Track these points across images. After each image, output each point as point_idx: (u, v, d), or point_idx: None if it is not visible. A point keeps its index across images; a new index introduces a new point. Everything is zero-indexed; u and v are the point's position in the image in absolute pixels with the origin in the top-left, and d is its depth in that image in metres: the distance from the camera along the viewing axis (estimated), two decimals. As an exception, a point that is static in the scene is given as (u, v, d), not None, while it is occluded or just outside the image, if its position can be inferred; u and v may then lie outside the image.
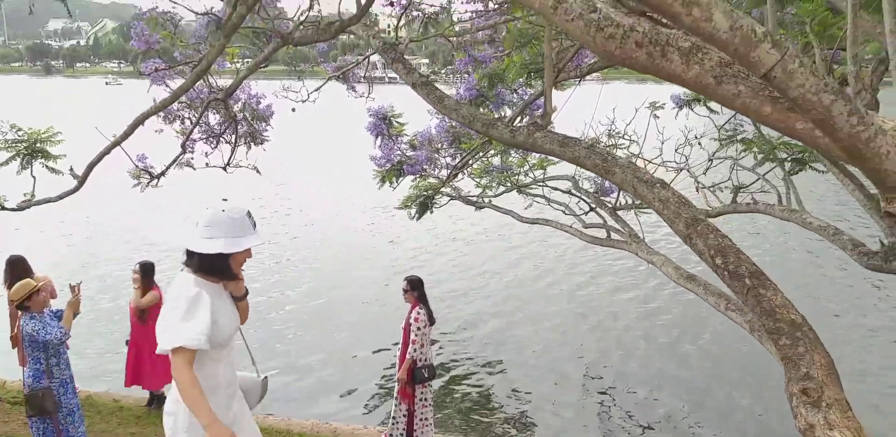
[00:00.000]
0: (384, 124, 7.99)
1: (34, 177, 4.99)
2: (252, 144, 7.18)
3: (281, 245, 15.79)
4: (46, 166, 5.03)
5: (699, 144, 6.13)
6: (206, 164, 6.85)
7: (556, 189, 7.46)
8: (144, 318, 6.84)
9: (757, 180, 5.33)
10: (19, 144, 5.03)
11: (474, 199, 8.12)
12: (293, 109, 7.95)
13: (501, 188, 7.77)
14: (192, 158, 6.83)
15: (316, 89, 8.16)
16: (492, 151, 7.73)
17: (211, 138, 6.95)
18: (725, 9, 1.35)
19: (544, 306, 12.04)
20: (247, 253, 2.96)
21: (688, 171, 5.96)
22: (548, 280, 13.52)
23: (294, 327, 10.92)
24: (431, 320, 6.08)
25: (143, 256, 11.79)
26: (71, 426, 5.49)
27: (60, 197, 4.71)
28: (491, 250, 15.69)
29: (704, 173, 5.93)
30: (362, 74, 8.66)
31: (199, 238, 2.86)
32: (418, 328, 5.96)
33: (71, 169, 4.79)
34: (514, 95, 7.16)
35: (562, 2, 1.95)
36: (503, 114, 7.26)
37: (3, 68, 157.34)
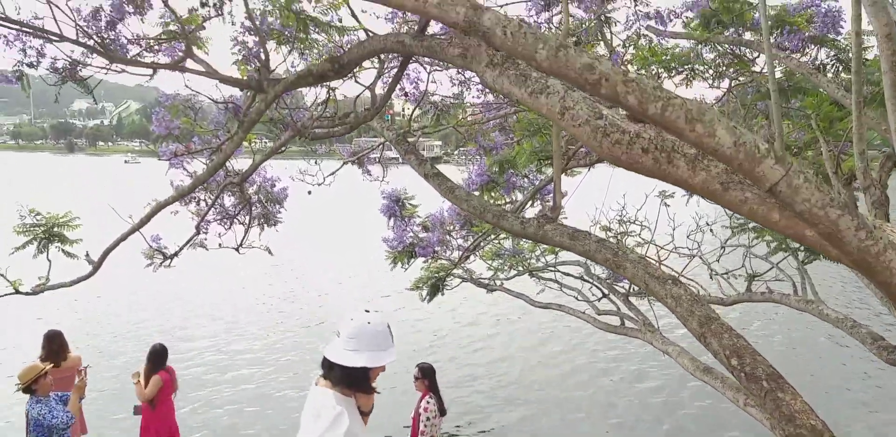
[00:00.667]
0: (397, 206, 8.12)
1: (49, 261, 5.04)
2: (265, 225, 7.28)
3: (293, 328, 15.61)
4: (63, 251, 5.10)
5: (711, 230, 6.15)
6: (219, 244, 6.92)
7: (567, 274, 7.43)
8: (153, 404, 6.76)
9: (770, 269, 5.29)
10: (37, 229, 5.12)
11: (486, 281, 8.09)
12: (309, 192, 8.11)
13: (513, 272, 7.75)
14: (206, 239, 6.91)
15: (331, 173, 8.36)
16: (503, 235, 7.78)
17: (225, 220, 7.06)
18: (728, 125, 1.40)
19: (567, 393, 11.62)
20: (382, 367, 2.84)
21: (700, 258, 5.95)
22: (568, 366, 13.12)
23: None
24: (442, 411, 5.91)
25: (155, 338, 11.56)
26: None
27: (74, 282, 4.75)
28: (507, 333, 15.38)
29: (717, 260, 5.91)
30: (376, 157, 8.90)
31: (343, 351, 2.76)
32: (427, 419, 5.78)
33: (87, 255, 4.86)
34: (525, 179, 7.30)
35: (568, 108, 2.02)
36: (514, 198, 7.37)
37: (27, 146, 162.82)
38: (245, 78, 4.17)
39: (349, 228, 31.97)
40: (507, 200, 7.33)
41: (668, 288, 2.50)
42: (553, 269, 7.47)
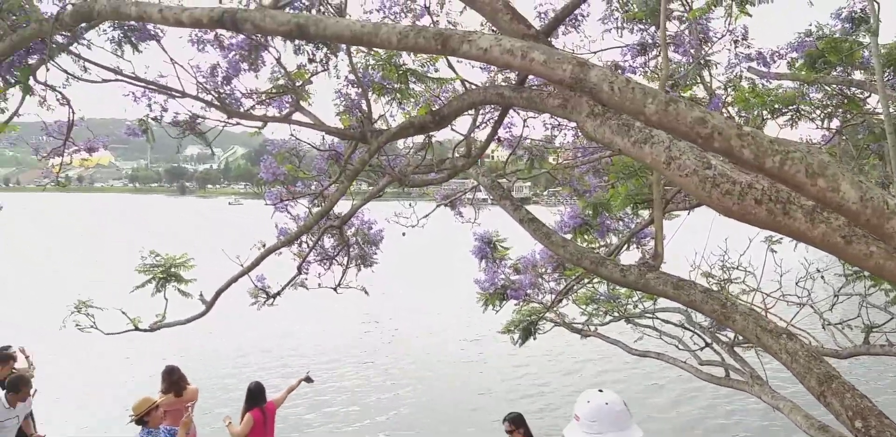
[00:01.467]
0: (489, 248, 8.15)
1: (167, 299, 5.37)
2: (362, 266, 7.46)
3: (385, 367, 15.74)
4: (178, 290, 5.42)
5: (822, 278, 5.80)
6: (319, 284, 7.12)
7: (667, 322, 7.17)
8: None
9: (890, 320, 4.91)
10: (156, 269, 5.48)
11: (579, 326, 7.92)
12: (403, 234, 8.29)
13: (608, 317, 7.55)
14: (307, 279, 7.14)
15: (425, 216, 8.53)
16: (597, 279, 7.63)
17: (325, 261, 7.29)
18: (853, 179, 1.35)
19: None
20: None
21: (811, 306, 5.60)
22: (681, 420, 12.41)
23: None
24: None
25: (254, 376, 11.80)
26: None
27: (189, 320, 5.02)
28: (611, 381, 14.81)
29: (830, 310, 5.54)
30: (469, 197, 9.02)
31: (585, 435, 2.69)
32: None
33: (201, 295, 5.14)
34: (620, 223, 7.17)
35: (675, 158, 2.00)
36: (608, 242, 7.24)
37: (143, 188, 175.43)
38: (347, 127, 4.38)
39: (441, 269, 32.22)
40: (601, 243, 7.22)
41: (782, 343, 2.38)
42: (651, 315, 7.21)
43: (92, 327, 4.98)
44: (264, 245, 6.10)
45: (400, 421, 11.88)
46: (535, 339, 7.46)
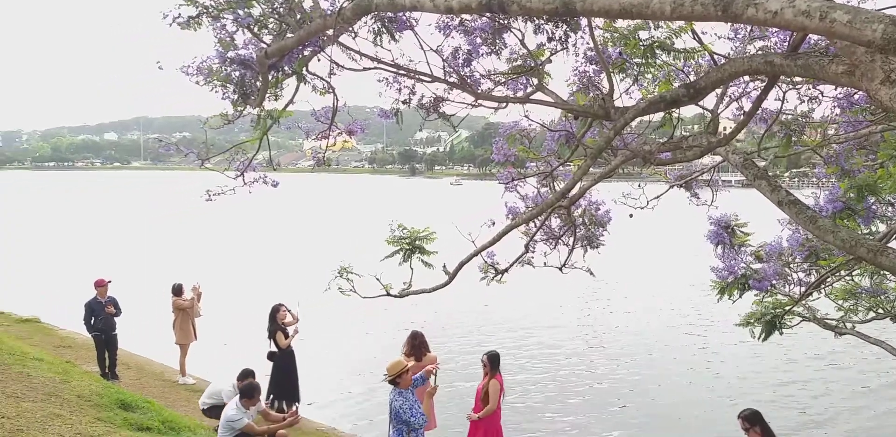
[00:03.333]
0: (726, 233, 7.64)
1: (412, 269, 5.84)
2: (589, 247, 7.41)
3: (606, 349, 15.56)
4: (422, 261, 5.87)
5: None
6: (544, 263, 7.22)
7: (950, 323, 6.17)
8: (487, 401, 7.43)
9: None
10: (403, 241, 5.97)
11: (833, 323, 7.12)
12: (630, 215, 8.08)
13: (871, 314, 6.69)
14: (533, 258, 7.27)
15: (655, 197, 8.21)
16: (857, 271, 6.79)
17: (551, 240, 7.36)
18: None
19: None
20: None
21: None
22: None
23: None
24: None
25: (492, 342, 12.27)
26: None
27: (434, 289, 5.42)
28: (879, 385, 13.20)
29: None
30: (706, 179, 8.50)
31: None
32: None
33: (444, 266, 5.51)
34: (890, 208, 6.30)
35: None
36: (873, 229, 6.40)
37: (380, 170, 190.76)
38: (589, 107, 4.35)
39: (670, 253, 30.94)
40: (865, 230, 6.39)
41: None
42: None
43: (351, 290, 5.59)
44: (493, 223, 6.34)
45: (629, 415, 11.54)
46: (780, 334, 6.87)
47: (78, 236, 37.36)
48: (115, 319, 10.62)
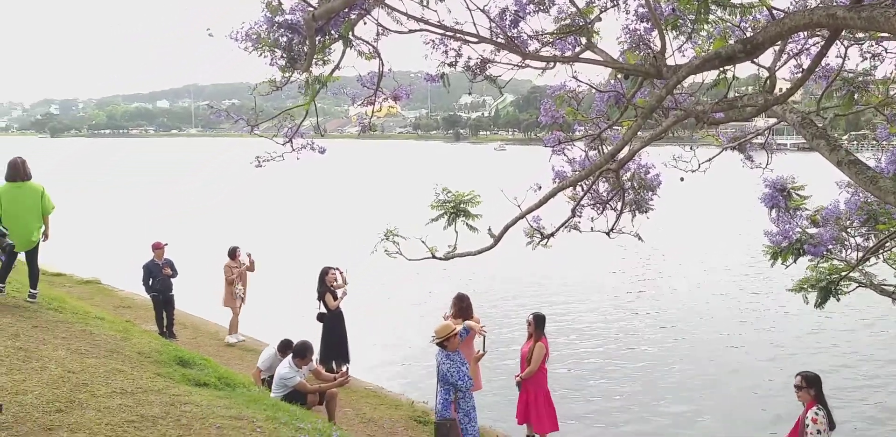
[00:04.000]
0: (781, 197, 7.43)
1: (457, 232, 5.87)
2: (637, 211, 7.30)
3: (661, 322, 15.43)
4: (467, 224, 5.88)
5: None
6: (591, 228, 7.14)
7: None
8: (531, 363, 7.49)
9: None
10: (447, 204, 5.99)
11: (891, 289, 6.90)
12: (682, 179, 7.91)
13: (933, 280, 6.46)
14: (580, 222, 7.20)
15: (707, 160, 8.00)
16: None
17: (598, 205, 7.27)
18: None
19: None
20: None
21: None
22: None
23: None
24: (831, 424, 5.28)
25: (536, 308, 12.21)
26: None
27: (479, 252, 5.45)
28: None
29: None
30: (760, 142, 8.23)
31: None
32: (818, 431, 5.22)
33: (489, 229, 5.52)
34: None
35: None
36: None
37: (424, 135, 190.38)
38: (640, 65, 4.23)
39: (722, 218, 30.30)
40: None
41: None
42: None
43: (397, 253, 5.66)
44: (539, 187, 6.28)
45: (678, 382, 11.38)
46: (837, 300, 6.70)
47: (135, 201, 38.68)
48: (172, 280, 11.01)
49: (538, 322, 7.62)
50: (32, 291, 8.07)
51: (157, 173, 62.26)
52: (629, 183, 7.06)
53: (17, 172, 7.78)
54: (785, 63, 5.24)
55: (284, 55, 5.46)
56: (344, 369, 9.44)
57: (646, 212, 7.16)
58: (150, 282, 10.86)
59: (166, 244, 11.04)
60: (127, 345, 6.89)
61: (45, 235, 8.01)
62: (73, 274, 15.59)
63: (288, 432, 4.84)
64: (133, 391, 5.15)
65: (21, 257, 8.11)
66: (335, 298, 9.76)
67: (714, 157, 7.79)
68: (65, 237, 12.84)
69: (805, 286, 6.92)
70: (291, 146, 5.71)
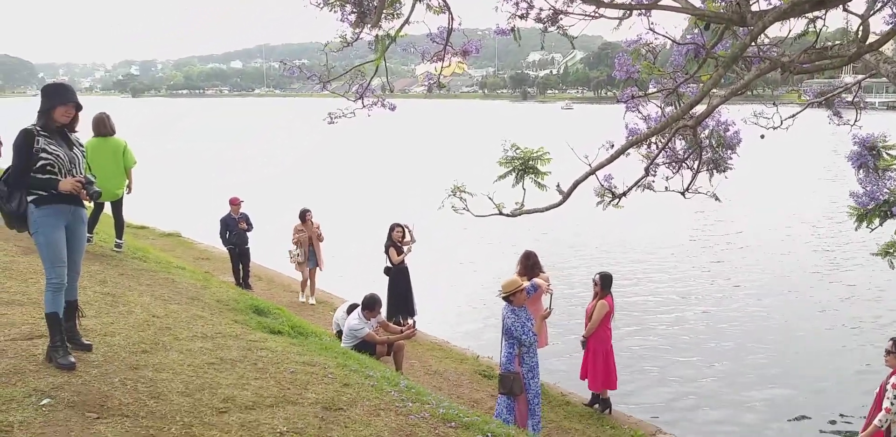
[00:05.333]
0: (871, 156, 7.02)
1: (524, 189, 5.83)
2: (715, 170, 7.03)
3: (728, 278, 15.02)
4: (535, 182, 5.82)
5: None
6: (666, 188, 6.94)
7: None
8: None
9: None
10: (516, 161, 5.93)
11: None
12: (762, 137, 7.55)
13: None
14: (654, 182, 6.99)
15: (791, 116, 7.59)
16: None
17: (674, 163, 7.03)
18: None
19: None
20: None
21: None
22: None
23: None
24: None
25: (603, 267, 11.98)
26: (538, 407, 6.40)
27: (547, 208, 5.39)
28: None
29: None
30: (849, 99, 7.74)
31: None
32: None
33: (558, 185, 5.45)
34: None
35: None
36: None
37: (491, 94, 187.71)
38: (722, 12, 3.98)
39: (805, 177, 28.97)
40: None
41: None
42: None
43: (464, 209, 5.67)
44: (612, 145, 6.11)
45: (753, 351, 10.89)
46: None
47: (214, 158, 40.07)
48: (248, 234, 11.40)
49: (604, 282, 7.56)
50: (118, 241, 8.55)
51: (233, 132, 64.12)
52: (707, 141, 6.79)
53: (102, 126, 8.14)
54: (879, 10, 4.84)
55: (355, 10, 5.45)
56: (410, 322, 9.65)
57: (724, 171, 6.87)
58: (227, 235, 11.26)
59: (242, 201, 11.39)
60: (206, 293, 7.24)
61: (129, 188, 8.40)
62: (156, 227, 16.33)
63: (358, 378, 5.01)
64: (212, 335, 5.42)
65: (107, 209, 8.56)
66: (399, 253, 9.91)
67: (797, 113, 7.39)
68: (148, 192, 13.45)
69: (891, 250, 6.58)
70: (362, 103, 5.75)
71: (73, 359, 4.13)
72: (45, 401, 3.66)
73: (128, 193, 8.43)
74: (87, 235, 8.40)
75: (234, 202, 11.29)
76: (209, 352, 4.92)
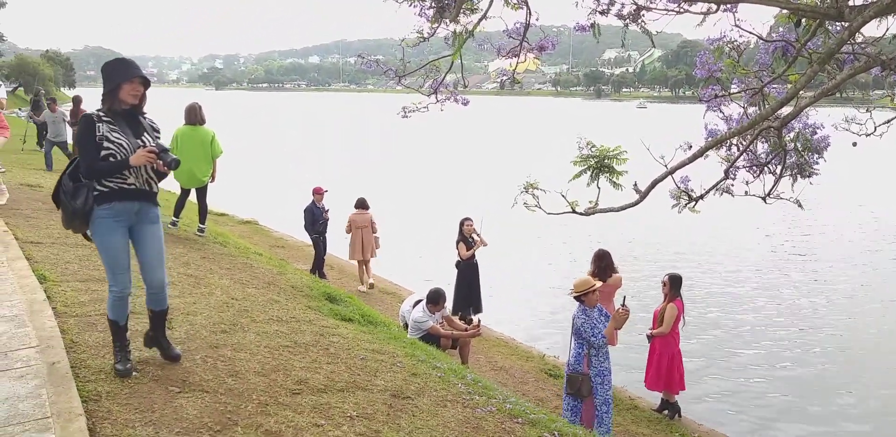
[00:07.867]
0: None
1: (599, 188, 5.76)
2: (799, 176, 6.75)
3: (801, 289, 14.38)
4: (610, 181, 5.74)
5: None
6: (746, 192, 6.71)
7: None
8: (663, 324, 7.38)
9: None
10: (591, 160, 5.86)
11: None
12: (854, 144, 7.19)
13: None
14: (733, 185, 6.78)
15: (885, 122, 7.20)
16: None
17: (755, 167, 6.80)
18: None
19: None
20: None
21: None
22: None
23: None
24: None
25: (672, 269, 11.60)
26: (606, 415, 6.18)
27: (623, 208, 5.31)
28: None
29: None
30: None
31: None
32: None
33: (635, 184, 5.36)
34: None
35: None
36: None
37: (563, 92, 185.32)
38: (817, 6, 3.82)
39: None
40: None
41: None
42: None
43: (537, 206, 5.65)
44: (690, 146, 5.95)
45: (824, 363, 10.42)
46: None
47: (291, 150, 41.24)
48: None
49: (673, 283, 7.39)
50: (201, 226, 8.95)
51: (311, 125, 65.70)
52: (792, 144, 6.52)
53: (193, 115, 8.52)
54: None
55: (433, 5, 5.51)
56: (476, 319, 9.67)
57: (809, 176, 6.58)
58: (315, 224, 11.33)
59: (327, 191, 11.55)
60: (282, 279, 7.50)
61: (213, 176, 8.77)
62: (235, 215, 16.97)
63: (425, 368, 5.10)
64: (287, 319, 5.62)
65: (192, 196, 8.98)
66: (468, 247, 9.95)
67: (892, 119, 7.00)
68: (229, 181, 13.97)
69: None
70: (436, 98, 5.81)
71: (129, 366, 3.91)
72: (133, 373, 3.89)
73: (211, 181, 8.80)
74: (174, 219, 8.86)
75: (318, 191, 11.42)
76: (284, 335, 5.11)
